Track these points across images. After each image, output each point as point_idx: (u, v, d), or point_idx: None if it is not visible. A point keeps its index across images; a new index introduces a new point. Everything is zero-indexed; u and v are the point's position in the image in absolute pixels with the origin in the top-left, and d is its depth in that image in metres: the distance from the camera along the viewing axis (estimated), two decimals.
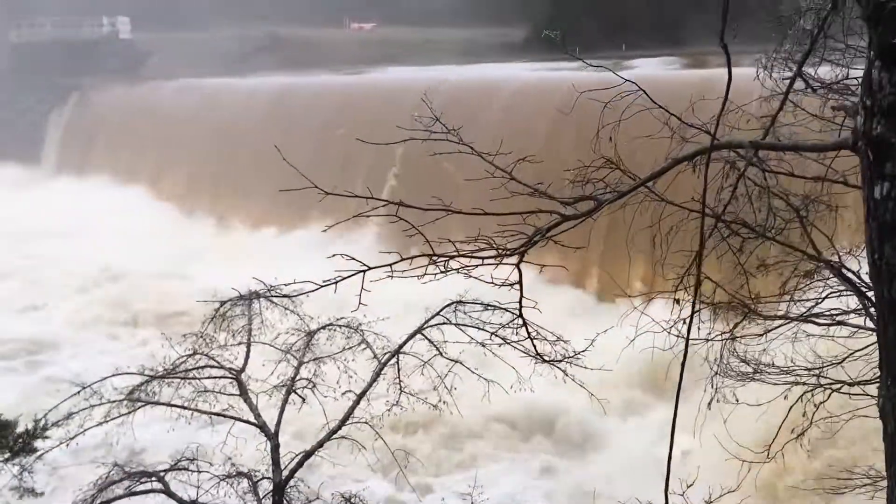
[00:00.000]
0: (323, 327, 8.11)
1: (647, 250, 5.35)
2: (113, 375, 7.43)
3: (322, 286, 4.22)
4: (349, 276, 4.28)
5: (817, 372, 6.30)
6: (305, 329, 8.16)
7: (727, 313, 5.45)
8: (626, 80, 4.22)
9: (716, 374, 6.10)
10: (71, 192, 36.77)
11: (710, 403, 6.45)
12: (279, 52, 50.62)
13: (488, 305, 7.45)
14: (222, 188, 32.44)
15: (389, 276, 4.19)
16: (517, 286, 4.78)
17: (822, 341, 6.22)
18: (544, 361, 6.25)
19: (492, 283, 5.19)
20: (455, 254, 4.11)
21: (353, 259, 4.13)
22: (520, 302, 5.03)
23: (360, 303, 4.21)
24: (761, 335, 5.62)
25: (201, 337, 7.94)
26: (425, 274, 4.16)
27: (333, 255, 4.12)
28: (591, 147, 4.48)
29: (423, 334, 7.76)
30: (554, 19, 46.43)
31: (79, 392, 7.05)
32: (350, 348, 7.88)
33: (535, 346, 5.69)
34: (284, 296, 7.89)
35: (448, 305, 7.69)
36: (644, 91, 4.22)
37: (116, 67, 46.92)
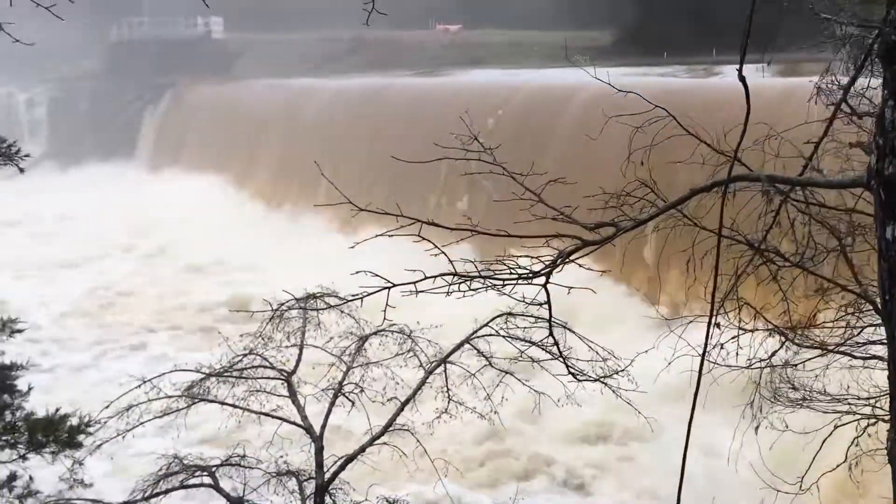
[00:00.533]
0: (375, 332, 8.24)
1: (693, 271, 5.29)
2: (171, 371, 7.74)
3: (349, 300, 4.34)
4: (375, 292, 4.40)
5: (872, 402, 6.10)
6: (359, 333, 8.33)
7: (766, 340, 5.34)
8: (657, 106, 4.19)
9: (760, 398, 5.98)
10: (162, 187, 38.24)
11: (756, 428, 6.33)
12: (365, 53, 51.43)
13: (538, 319, 7.47)
14: (303, 185, 33.14)
15: (414, 294, 4.29)
16: (546, 306, 4.84)
17: (880, 371, 6.02)
18: (578, 380, 6.23)
19: (522, 301, 5.26)
20: (477, 274, 4.17)
21: (378, 276, 4.24)
22: (549, 322, 5.05)
23: (384, 318, 4.31)
24: (795, 365, 5.47)
25: (259, 337, 8.21)
26: (449, 293, 4.23)
27: (358, 272, 4.23)
28: (622, 169, 4.47)
29: (470, 344, 7.84)
30: (643, 23, 45.71)
31: (139, 386, 7.39)
32: (400, 355, 8.00)
33: (567, 366, 5.68)
34: (341, 300, 8.04)
35: (497, 317, 7.75)
36: (674, 117, 4.19)
37: (208, 67, 48.60)
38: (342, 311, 8.30)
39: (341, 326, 8.39)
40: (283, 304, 8.29)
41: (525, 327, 7.61)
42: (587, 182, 4.98)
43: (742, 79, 3.29)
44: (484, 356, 8.03)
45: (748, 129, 4.77)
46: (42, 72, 49.15)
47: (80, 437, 5.46)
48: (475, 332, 7.74)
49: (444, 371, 7.79)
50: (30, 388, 5.47)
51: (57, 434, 5.24)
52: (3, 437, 5.25)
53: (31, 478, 5.73)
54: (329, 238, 25.28)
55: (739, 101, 4.05)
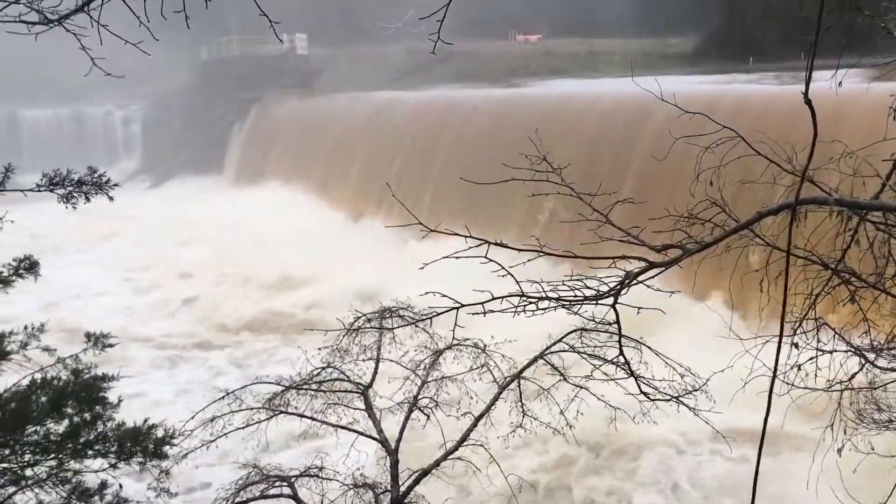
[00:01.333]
0: (449, 347, 8.34)
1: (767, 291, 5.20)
2: (253, 384, 8.01)
3: (419, 319, 4.44)
4: (444, 312, 4.50)
5: None
6: (434, 347, 8.44)
7: (846, 361, 5.19)
8: (724, 127, 4.16)
9: (843, 420, 5.81)
10: (247, 199, 39.41)
11: (839, 450, 6.15)
12: (447, 65, 51.94)
13: (612, 334, 7.43)
14: (387, 196, 33.59)
15: (482, 314, 4.36)
16: (616, 325, 4.84)
17: None
18: (650, 399, 6.18)
19: (593, 321, 5.26)
20: (544, 295, 4.21)
21: (446, 296, 4.33)
22: (619, 342, 5.05)
23: (454, 338, 4.39)
24: (877, 388, 5.30)
25: (336, 350, 8.41)
26: (516, 312, 4.29)
27: (427, 293, 4.32)
28: (690, 190, 4.44)
29: (544, 359, 7.85)
30: (726, 28, 44.74)
31: (223, 397, 7.67)
32: (474, 369, 8.08)
33: (638, 385, 5.65)
34: (413, 317, 8.16)
35: (571, 332, 7.74)
36: (742, 138, 4.15)
37: (293, 82, 49.96)
38: (417, 326, 8.44)
39: (416, 340, 8.52)
40: (358, 318, 8.47)
41: (598, 345, 7.61)
42: (661, 202, 4.95)
43: (808, 102, 3.24)
44: (559, 371, 8.04)
45: (826, 145, 4.69)
46: (138, 90, 51.40)
47: (166, 448, 5.73)
48: (549, 347, 7.75)
49: (518, 386, 7.83)
50: (120, 400, 5.78)
51: (145, 444, 5.52)
52: (95, 447, 5.57)
53: (120, 486, 6.04)
54: (407, 250, 25.58)
55: (824, 111, 3.96)
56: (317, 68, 54.23)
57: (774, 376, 3.54)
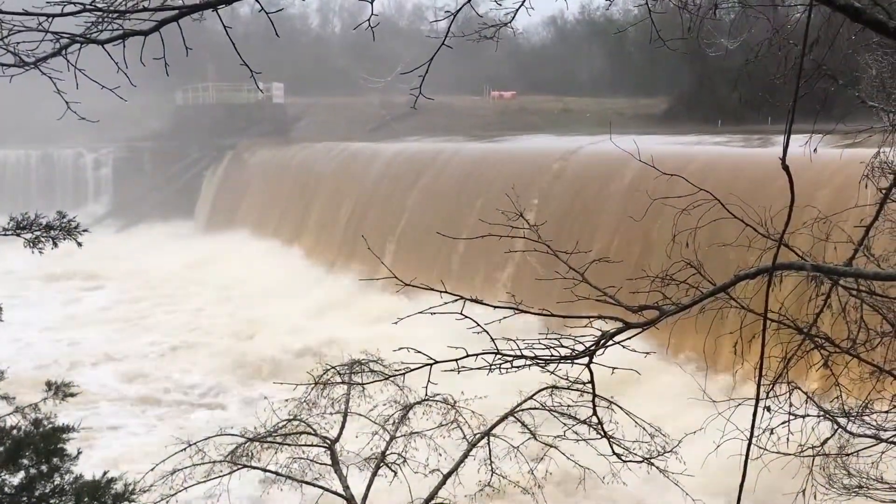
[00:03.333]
0: (420, 402, 8.23)
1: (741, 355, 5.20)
2: (217, 435, 7.82)
3: (391, 375, 4.37)
4: (417, 368, 4.43)
5: None
6: (403, 402, 8.32)
7: (818, 426, 5.19)
8: (701, 189, 4.20)
9: (814, 485, 5.79)
10: (217, 246, 39.08)
11: None
12: (421, 118, 52.53)
13: (583, 392, 7.38)
14: (361, 248, 33.53)
15: (456, 371, 4.30)
16: (590, 385, 4.80)
17: None
18: (623, 461, 6.12)
19: (566, 379, 5.21)
20: (519, 353, 4.16)
21: (420, 352, 4.27)
22: (593, 402, 5.00)
23: (426, 394, 4.31)
24: (849, 454, 5.29)
25: (303, 402, 8.25)
26: (490, 370, 4.23)
27: (400, 349, 4.26)
28: (667, 252, 4.46)
29: (514, 417, 7.77)
30: (698, 91, 45.83)
31: (184, 449, 7.47)
32: (444, 425, 7.96)
33: (611, 446, 5.59)
34: (384, 370, 8.04)
35: (541, 390, 7.68)
36: (719, 200, 4.19)
37: (268, 130, 50.11)
38: (387, 378, 8.32)
39: (385, 394, 8.39)
40: (327, 371, 8.34)
41: (569, 404, 7.55)
42: (632, 260, 4.97)
43: (786, 168, 3.28)
44: (528, 429, 7.95)
45: (797, 210, 4.75)
46: (110, 134, 51.18)
47: None
48: (519, 404, 7.68)
49: (488, 444, 7.72)
50: (79, 452, 5.59)
51: (103, 500, 5.32)
52: (52, 501, 5.35)
53: None
54: (383, 302, 25.42)
55: (796, 176, 4.02)
56: (292, 117, 54.53)
57: (751, 440, 3.51)
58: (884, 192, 4.31)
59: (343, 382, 7.76)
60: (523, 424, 7.91)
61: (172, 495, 7.07)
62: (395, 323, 4.39)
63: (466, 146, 36.05)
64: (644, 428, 7.38)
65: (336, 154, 39.60)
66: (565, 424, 7.52)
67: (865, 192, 5.27)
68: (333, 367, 8.28)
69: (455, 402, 8.25)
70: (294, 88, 54.07)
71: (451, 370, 4.26)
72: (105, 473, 5.61)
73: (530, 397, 7.68)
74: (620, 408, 7.21)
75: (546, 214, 22.59)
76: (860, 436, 5.11)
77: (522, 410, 7.68)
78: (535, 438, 8.00)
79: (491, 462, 7.84)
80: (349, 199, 35.38)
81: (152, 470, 7.16)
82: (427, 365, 4.31)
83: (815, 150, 4.04)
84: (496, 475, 7.95)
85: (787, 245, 4.10)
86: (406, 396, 8.33)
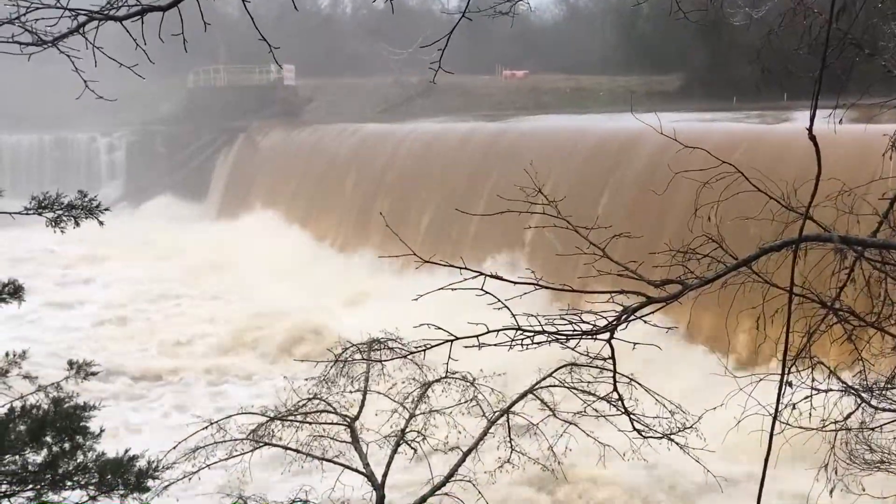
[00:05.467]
0: (438, 380, 8.24)
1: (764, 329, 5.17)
2: (238, 414, 7.88)
3: (412, 352, 4.37)
4: (437, 345, 4.43)
5: None
6: (422, 380, 8.34)
7: (840, 400, 5.16)
8: (724, 162, 4.16)
9: (835, 460, 5.77)
10: (230, 228, 39.21)
11: (831, 491, 6.10)
12: (433, 98, 52.33)
13: (602, 370, 7.37)
14: (375, 229, 33.54)
15: (477, 347, 4.29)
16: (611, 361, 4.78)
17: None
18: (643, 437, 6.12)
19: (586, 356, 5.20)
20: (540, 329, 4.15)
21: (441, 329, 4.26)
22: (614, 378, 4.99)
23: (447, 370, 4.31)
24: (873, 429, 5.27)
25: (323, 381, 8.29)
26: (511, 346, 4.22)
27: (421, 325, 4.26)
28: (688, 225, 4.42)
29: (534, 394, 7.77)
30: (712, 67, 45.35)
31: (206, 427, 7.53)
32: (463, 403, 7.98)
33: (632, 422, 5.59)
34: (404, 349, 8.05)
35: (561, 367, 7.68)
36: (742, 173, 4.14)
37: (280, 112, 50.06)
38: (406, 358, 8.34)
39: (404, 373, 8.41)
40: (347, 349, 8.37)
41: (588, 381, 7.55)
42: (654, 236, 4.94)
43: (812, 138, 3.24)
44: (548, 406, 7.97)
45: (821, 182, 4.69)
46: (122, 118, 51.31)
47: (148, 481, 5.58)
48: (538, 382, 7.68)
49: (507, 421, 7.74)
50: (101, 431, 5.65)
51: (126, 476, 5.38)
52: (75, 478, 5.41)
53: None
54: (400, 280, 25.44)
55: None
56: (304, 99, 54.44)
57: (776, 415, 3.48)
58: None
59: (363, 360, 7.78)
60: (542, 402, 7.92)
61: (195, 472, 7.13)
62: (416, 300, 4.38)
63: (481, 126, 35.92)
64: (664, 405, 7.38)
65: (349, 135, 39.54)
66: (584, 402, 7.53)
67: (889, 165, 5.19)
68: (353, 346, 8.31)
69: (474, 379, 8.26)
70: (305, 70, 53.93)
71: (473, 346, 4.25)
72: (127, 451, 5.67)
73: (550, 374, 7.67)
74: (640, 385, 7.20)
75: (562, 191, 22.54)
76: (884, 410, 5.08)
77: (542, 388, 7.68)
78: (555, 415, 8.01)
79: (510, 439, 7.86)
80: (363, 180, 35.35)
81: (174, 448, 7.22)
82: (448, 341, 4.31)
83: (840, 121, 3.98)
84: (515, 452, 7.98)
85: (812, 219, 4.05)
86: (425, 374, 8.35)
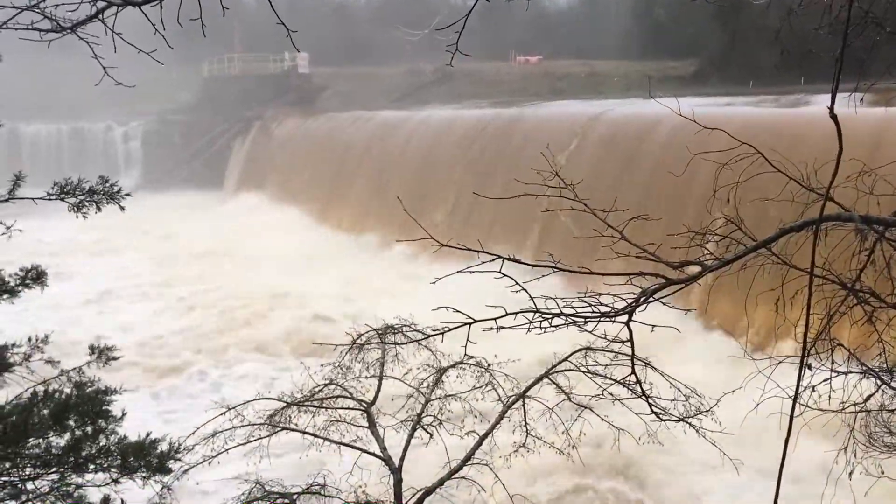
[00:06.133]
0: (453, 365, 8.27)
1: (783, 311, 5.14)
2: (255, 399, 7.93)
3: (431, 335, 4.38)
4: (456, 328, 4.44)
5: None
6: (437, 366, 8.36)
7: (860, 383, 5.13)
8: (743, 143, 4.13)
9: (855, 443, 5.74)
10: (248, 215, 39.37)
11: (850, 474, 6.08)
12: (446, 85, 52.21)
13: (617, 354, 7.37)
14: (388, 215, 33.56)
15: (495, 329, 4.30)
16: (628, 344, 4.78)
17: None
18: (661, 419, 6.11)
19: (605, 339, 5.19)
20: (558, 311, 4.15)
21: (459, 311, 4.27)
22: (632, 361, 4.99)
23: (465, 353, 4.33)
24: (892, 411, 5.23)
25: (338, 367, 8.33)
26: (529, 329, 4.23)
27: (439, 308, 4.27)
28: (707, 207, 4.40)
29: (549, 379, 7.78)
30: (728, 52, 44.98)
31: (224, 413, 7.58)
32: (478, 388, 8.00)
33: (650, 405, 5.58)
34: (422, 334, 8.06)
35: (576, 352, 7.68)
36: (762, 154, 4.11)
37: (294, 100, 50.13)
38: (420, 343, 8.36)
39: (419, 358, 8.44)
40: (362, 335, 8.40)
41: (605, 364, 7.55)
42: (673, 219, 4.92)
43: (833, 117, 3.21)
44: (563, 391, 7.96)
45: (840, 164, 4.66)
46: (138, 107, 51.53)
47: (170, 463, 5.64)
48: (554, 366, 7.69)
49: (523, 405, 7.75)
50: (123, 414, 5.71)
51: (148, 459, 5.44)
52: (98, 461, 5.48)
53: (122, 501, 5.95)
54: (418, 267, 25.45)
55: (828, 133, 3.95)
56: (318, 87, 54.46)
57: (796, 398, 3.47)
58: None
59: (380, 343, 7.81)
60: (558, 386, 7.93)
61: (214, 457, 7.18)
62: (434, 283, 4.39)
63: (496, 112, 35.81)
64: (679, 389, 7.36)
65: (363, 123, 39.55)
66: (600, 386, 7.52)
67: None
68: (369, 331, 8.34)
69: (489, 364, 8.27)
70: (319, 59, 53.94)
71: (491, 329, 4.26)
72: (148, 434, 5.73)
73: (565, 359, 7.67)
74: (655, 369, 7.19)
75: (580, 176, 22.48)
76: None
77: (557, 372, 7.68)
78: (570, 399, 8.01)
79: (526, 423, 7.87)
80: (378, 168, 35.39)
81: (193, 433, 7.28)
82: (466, 324, 4.32)
83: (861, 100, 3.94)
84: (531, 436, 7.99)
85: (833, 199, 4.02)
86: (440, 360, 8.37)
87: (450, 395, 7.99)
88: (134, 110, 51.90)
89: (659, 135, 21.70)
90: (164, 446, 5.69)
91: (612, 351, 7.51)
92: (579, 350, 7.60)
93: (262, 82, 50.96)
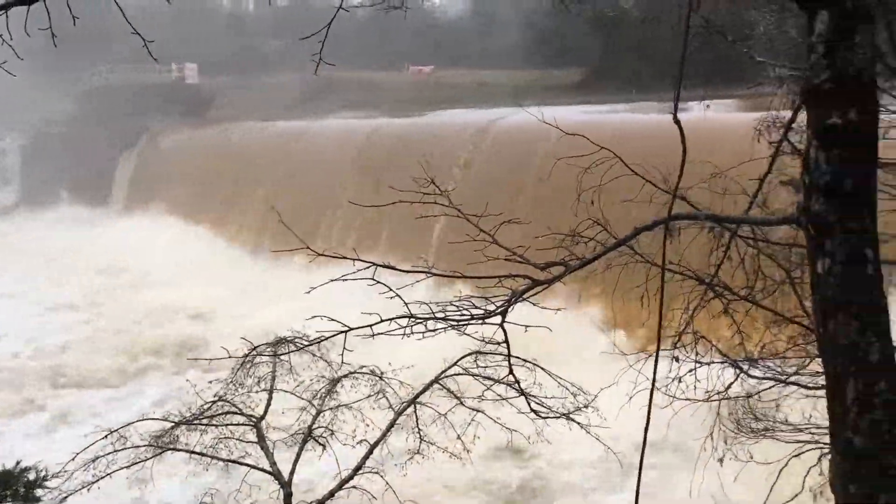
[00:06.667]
0: (346, 375, 8.26)
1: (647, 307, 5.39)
2: (139, 420, 7.71)
3: (304, 346, 4.39)
4: (332, 336, 4.45)
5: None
6: (330, 376, 8.33)
7: (722, 372, 5.43)
8: (602, 148, 4.32)
9: (722, 430, 6.06)
10: (137, 230, 38.07)
11: (720, 460, 6.41)
12: (341, 94, 51.92)
13: (508, 356, 7.52)
14: (281, 227, 32.94)
15: (371, 336, 4.34)
16: (504, 345, 4.91)
17: None
18: (540, 417, 6.29)
19: (493, 343, 5.31)
20: (431, 315, 4.22)
21: (334, 320, 4.29)
22: (508, 361, 5.12)
23: (342, 362, 4.35)
24: (750, 396, 5.57)
25: (230, 383, 8.19)
26: (404, 335, 4.28)
27: (313, 317, 4.28)
28: (573, 209, 4.58)
29: (440, 384, 7.87)
30: (606, 62, 46.51)
31: (105, 436, 7.33)
32: (369, 397, 8.02)
33: (528, 403, 5.74)
34: (303, 345, 8.02)
35: (466, 356, 7.79)
36: (620, 158, 4.31)
37: (183, 111, 48.83)
38: (314, 355, 8.31)
39: (314, 370, 8.39)
40: (253, 349, 8.28)
41: (494, 365, 7.69)
42: (552, 222, 5.08)
43: (677, 122, 3.41)
44: (454, 395, 8.07)
45: (699, 165, 4.92)
46: (12, 120, 49.07)
47: (38, 492, 5.40)
48: (443, 371, 7.78)
49: (415, 412, 7.81)
50: None
51: (15, 488, 5.19)
52: None
53: None
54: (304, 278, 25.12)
55: (697, 137, 4.16)
56: (208, 97, 53.24)
57: (653, 389, 3.66)
58: (775, 144, 4.51)
59: (268, 352, 7.72)
60: (448, 391, 8.02)
61: (94, 482, 6.94)
62: (308, 292, 4.40)
63: (387, 121, 35.92)
64: (566, 387, 7.58)
65: (257, 133, 38.94)
66: (486, 386, 7.66)
67: (760, 147, 5.48)
68: (261, 345, 8.24)
69: (382, 373, 8.30)
70: (210, 69, 52.74)
71: (366, 336, 4.29)
72: (18, 463, 5.48)
73: (455, 364, 7.78)
74: (542, 368, 7.38)
75: (466, 183, 22.90)
76: (762, 379, 5.38)
77: (447, 377, 7.78)
78: (462, 404, 8.12)
79: (419, 430, 7.94)
80: (274, 179, 34.87)
81: (73, 459, 7.01)
82: (341, 332, 4.34)
83: (707, 105, 4.19)
84: (424, 442, 8.06)
85: (686, 199, 4.25)
86: (335, 371, 8.35)
87: (342, 405, 7.97)
88: (6, 124, 49.40)
89: (537, 143, 22.26)
90: (32, 475, 5.45)
91: (500, 353, 7.66)
92: (469, 354, 7.71)
93: (148, 93, 49.36)
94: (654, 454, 12.80)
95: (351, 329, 4.32)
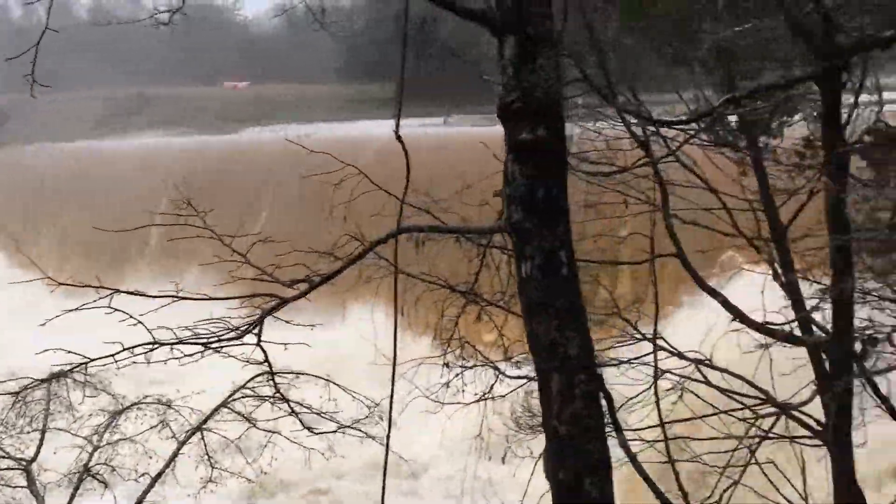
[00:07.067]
0: (128, 407, 7.88)
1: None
2: None
3: (34, 386, 4.16)
4: (72, 369, 4.25)
5: None
6: (112, 409, 7.92)
7: (485, 374, 5.65)
8: (348, 164, 4.39)
9: (489, 429, 6.28)
10: None
11: (503, 458, 6.66)
12: (150, 111, 49.78)
13: (299, 374, 7.44)
14: (90, 253, 31.13)
15: (115, 366, 4.17)
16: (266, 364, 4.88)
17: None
18: (313, 433, 6.32)
19: (243, 362, 5.23)
20: (177, 340, 4.11)
21: (72, 352, 4.10)
22: (273, 378, 5.08)
23: (83, 397, 4.15)
24: (504, 396, 5.85)
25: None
26: (150, 362, 4.15)
27: (46, 350, 4.07)
28: (323, 224, 4.62)
29: (228, 408, 7.66)
30: (421, 76, 47.43)
31: None
32: (153, 428, 7.69)
33: (300, 420, 5.74)
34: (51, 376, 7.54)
35: (256, 376, 7.64)
36: (364, 174, 4.40)
37: None
38: (96, 388, 7.87)
39: (98, 404, 7.95)
40: (26, 387, 7.72)
41: (286, 383, 7.58)
42: (312, 239, 5.09)
43: (398, 138, 3.52)
44: (246, 418, 7.88)
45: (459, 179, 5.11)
46: None
47: None
48: (231, 394, 7.58)
49: (202, 439, 7.56)
50: None
51: None
52: None
53: None
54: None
55: (476, 153, 4.26)
56: (1, 116, 49.45)
57: (392, 395, 3.75)
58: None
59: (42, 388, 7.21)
60: (240, 415, 7.83)
61: None
62: (43, 325, 4.17)
63: (202, 139, 34.84)
64: (361, 401, 7.60)
65: (54, 155, 36.53)
66: (282, 409, 7.52)
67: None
68: (32, 381, 7.69)
69: (169, 402, 8.00)
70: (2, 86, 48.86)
71: (108, 365, 4.12)
72: None
73: (243, 386, 7.60)
74: (336, 384, 7.36)
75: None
76: (517, 378, 5.63)
77: (235, 400, 7.58)
78: (255, 426, 7.95)
79: (208, 457, 7.70)
80: (75, 204, 32.84)
81: None
82: (82, 364, 4.15)
83: (447, 119, 4.36)
84: (216, 469, 7.83)
85: (430, 212, 4.37)
86: (120, 403, 7.95)
87: (122, 439, 7.59)
88: None
89: (366, 157, 22.40)
90: None
91: (293, 373, 7.58)
92: (258, 375, 7.57)
93: None
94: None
95: (91, 360, 4.14)
